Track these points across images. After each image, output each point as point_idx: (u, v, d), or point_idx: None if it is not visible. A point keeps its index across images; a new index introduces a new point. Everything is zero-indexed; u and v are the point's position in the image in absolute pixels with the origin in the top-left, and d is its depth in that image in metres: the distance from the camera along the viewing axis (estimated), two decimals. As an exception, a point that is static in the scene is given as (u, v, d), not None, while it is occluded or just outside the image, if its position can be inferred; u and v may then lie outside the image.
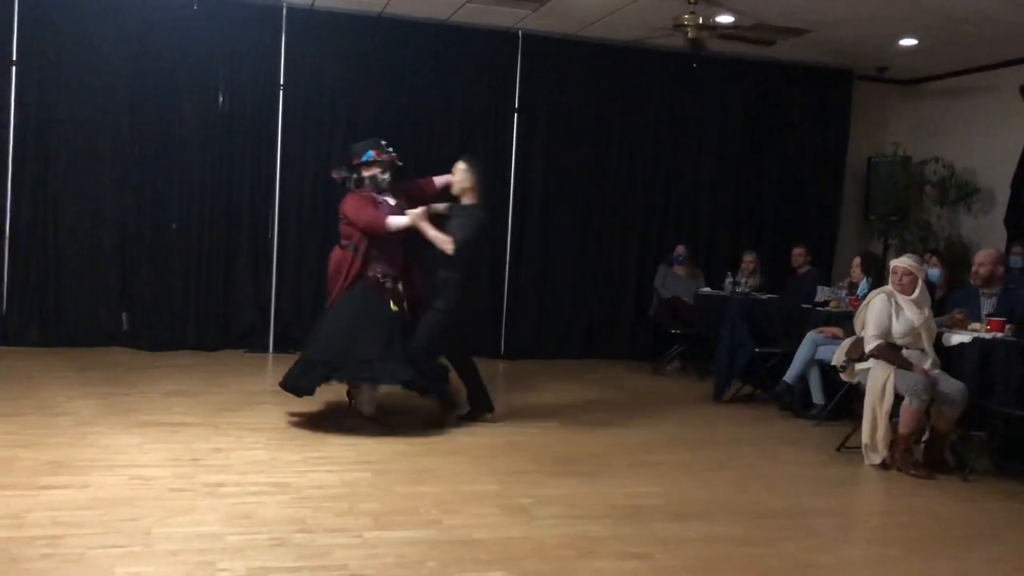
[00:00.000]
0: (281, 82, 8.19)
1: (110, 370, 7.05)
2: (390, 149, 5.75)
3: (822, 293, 7.35)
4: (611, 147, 9.03)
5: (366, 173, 5.72)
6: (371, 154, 5.70)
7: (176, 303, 8.04)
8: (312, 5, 8.00)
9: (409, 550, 3.71)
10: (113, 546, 3.58)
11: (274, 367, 7.79)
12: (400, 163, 5.82)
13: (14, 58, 7.64)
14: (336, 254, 5.77)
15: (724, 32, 7.63)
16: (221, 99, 8.10)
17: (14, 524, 3.74)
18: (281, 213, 8.26)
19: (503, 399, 7.37)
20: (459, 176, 5.81)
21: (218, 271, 8.15)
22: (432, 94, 8.51)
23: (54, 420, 5.44)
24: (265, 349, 8.20)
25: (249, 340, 8.18)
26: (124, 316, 8.01)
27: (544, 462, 5.18)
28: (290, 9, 8.06)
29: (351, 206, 5.65)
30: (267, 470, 4.70)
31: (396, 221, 5.56)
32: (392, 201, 5.75)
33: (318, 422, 5.76)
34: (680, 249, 8.81)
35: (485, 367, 8.14)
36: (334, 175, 5.89)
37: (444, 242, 5.57)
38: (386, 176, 5.75)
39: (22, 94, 7.69)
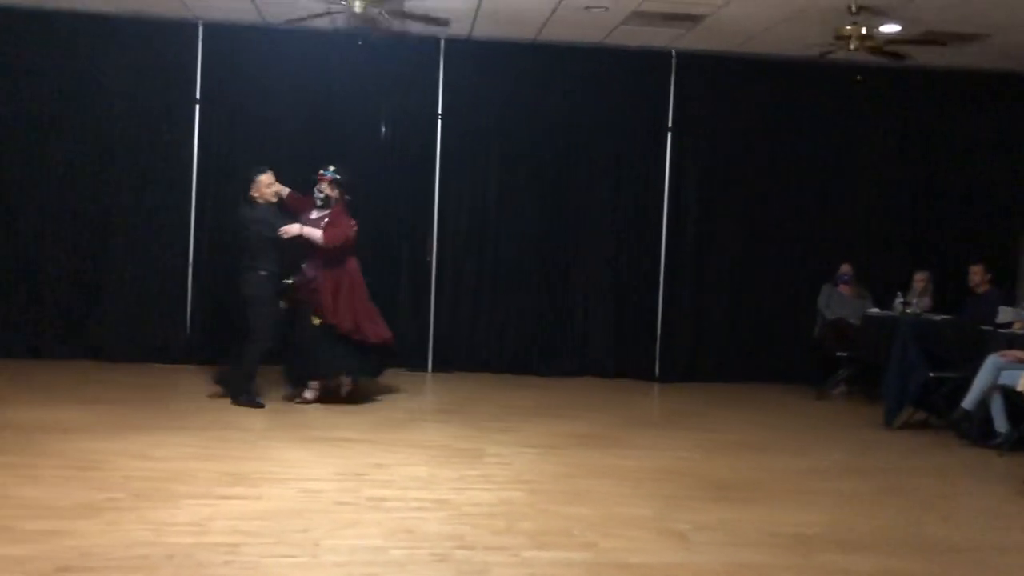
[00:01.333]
0: (439, 111, 8.46)
1: (280, 388, 7.41)
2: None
3: (1005, 314, 6.87)
4: (770, 163, 8.78)
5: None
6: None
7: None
8: (469, 35, 8.23)
9: (565, 571, 3.71)
10: (284, 556, 3.77)
11: (433, 385, 8.02)
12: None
13: (197, 97, 8.24)
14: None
15: (892, 42, 7.27)
16: (384, 129, 8.46)
17: (198, 531, 4.00)
18: (439, 236, 8.50)
19: (658, 423, 7.29)
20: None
21: (381, 293, 8.45)
22: (585, 116, 8.57)
23: (232, 434, 5.79)
24: (424, 368, 8.44)
25: (410, 359, 8.44)
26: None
27: (701, 487, 5.07)
28: (448, 41, 8.32)
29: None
30: (427, 486, 4.82)
31: None
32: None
33: (475, 440, 5.87)
34: (845, 268, 8.45)
35: (638, 390, 8.15)
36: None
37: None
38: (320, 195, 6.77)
39: (205, 130, 8.29)
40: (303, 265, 6.64)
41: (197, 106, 8.28)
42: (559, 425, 6.44)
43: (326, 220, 6.63)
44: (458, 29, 7.95)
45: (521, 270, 8.56)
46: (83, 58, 8.10)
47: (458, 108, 8.48)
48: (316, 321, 6.58)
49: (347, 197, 6.79)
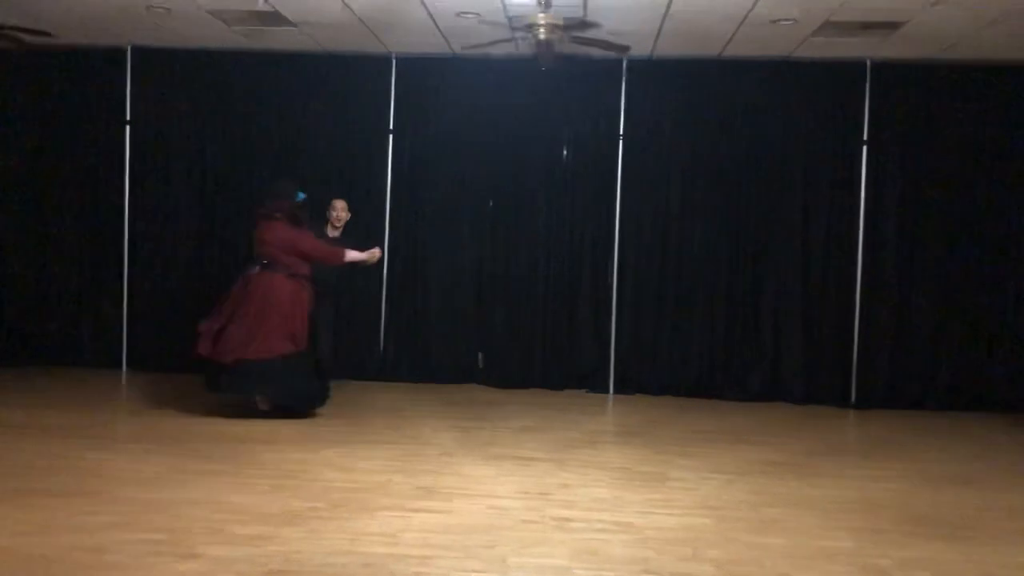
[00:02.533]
0: (621, 132, 8.46)
1: (468, 405, 7.64)
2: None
3: None
4: (979, 174, 8.16)
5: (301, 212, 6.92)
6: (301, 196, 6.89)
7: (525, 343, 8.54)
8: (651, 55, 8.20)
9: (756, 603, 3.59)
10: (473, 571, 3.85)
11: (614, 407, 7.98)
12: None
13: (390, 127, 8.67)
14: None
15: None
16: (565, 152, 8.56)
17: (391, 542, 4.16)
18: (620, 258, 8.48)
19: (854, 451, 6.91)
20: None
21: (563, 314, 8.55)
22: (772, 133, 8.31)
23: (422, 449, 6.00)
24: (605, 390, 8.41)
25: (590, 381, 8.45)
26: (480, 355, 8.66)
27: (904, 521, 4.75)
28: (630, 61, 8.32)
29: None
30: (611, 508, 4.80)
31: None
32: None
33: (658, 463, 5.79)
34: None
35: (832, 416, 7.77)
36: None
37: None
38: None
39: (397, 159, 8.70)
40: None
41: (390, 136, 8.69)
42: (746, 451, 6.24)
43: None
44: (639, 49, 7.94)
45: (705, 291, 8.37)
46: (288, 93, 8.70)
47: (639, 128, 8.45)
48: None
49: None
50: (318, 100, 8.67)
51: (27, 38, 7.27)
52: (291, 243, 6.73)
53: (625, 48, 7.09)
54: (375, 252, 7.25)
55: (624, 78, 8.41)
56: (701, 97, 8.36)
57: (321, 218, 7.49)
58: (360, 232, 7.97)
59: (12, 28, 7.04)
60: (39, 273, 8.90)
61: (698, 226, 8.41)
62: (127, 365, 8.76)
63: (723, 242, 8.37)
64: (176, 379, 8.00)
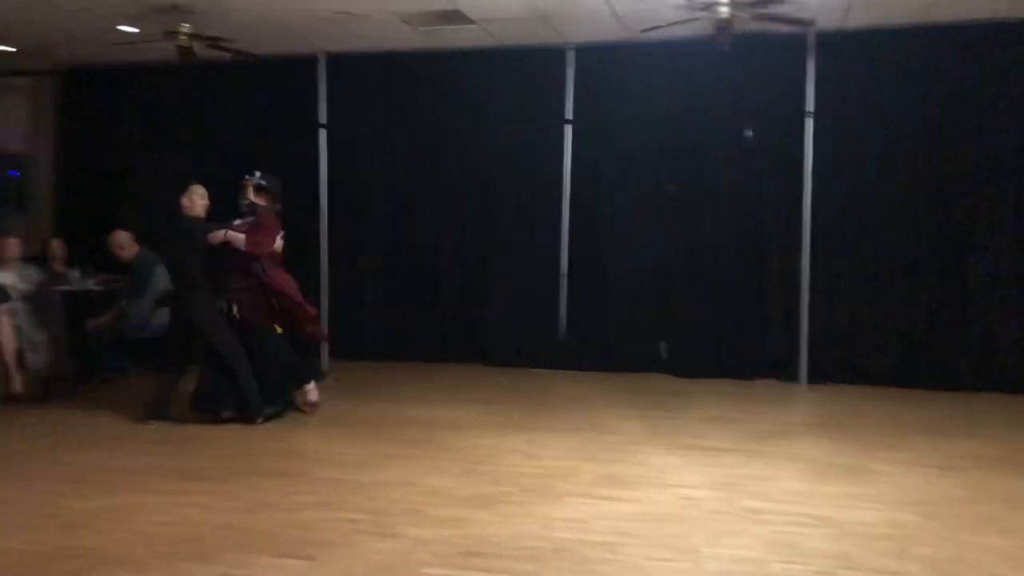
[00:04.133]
0: (810, 108, 8.09)
1: (652, 394, 7.55)
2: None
3: None
4: None
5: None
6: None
7: (710, 332, 8.33)
8: (841, 26, 7.78)
9: (974, 605, 3.34)
10: (665, 560, 3.81)
11: (807, 397, 7.66)
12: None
13: (568, 117, 8.69)
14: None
15: None
16: (750, 132, 8.27)
17: (580, 528, 4.18)
18: (811, 241, 8.11)
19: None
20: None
21: (750, 301, 8.29)
22: (978, 99, 7.68)
23: (608, 438, 5.99)
24: (797, 379, 8.08)
25: (780, 369, 8.14)
26: (662, 344, 8.54)
27: None
28: (818, 34, 7.93)
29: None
30: (806, 501, 4.61)
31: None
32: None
33: (856, 456, 5.51)
34: None
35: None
36: None
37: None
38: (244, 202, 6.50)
39: (575, 148, 8.72)
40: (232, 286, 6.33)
41: (568, 126, 8.72)
42: (955, 444, 5.83)
43: (248, 226, 6.37)
44: (828, 21, 7.56)
45: (906, 273, 7.85)
46: (469, 89, 8.92)
47: (830, 105, 8.03)
48: (279, 330, 6.53)
49: (277, 206, 6.58)
50: (496, 94, 8.84)
51: (233, 51, 7.80)
52: None
53: (811, 22, 6.77)
54: (215, 235, 6.32)
55: (812, 52, 8.03)
56: (897, 68, 7.85)
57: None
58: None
59: (214, 38, 7.56)
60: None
61: (896, 204, 7.90)
62: (329, 355, 9.26)
63: (925, 221, 7.83)
64: (371, 367, 8.41)
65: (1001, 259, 7.66)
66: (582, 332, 8.73)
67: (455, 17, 7.60)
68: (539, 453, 5.56)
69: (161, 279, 7.74)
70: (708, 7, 6.40)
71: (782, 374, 8.11)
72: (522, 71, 8.75)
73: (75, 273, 8.31)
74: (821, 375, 8.00)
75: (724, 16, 6.29)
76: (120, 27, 7.90)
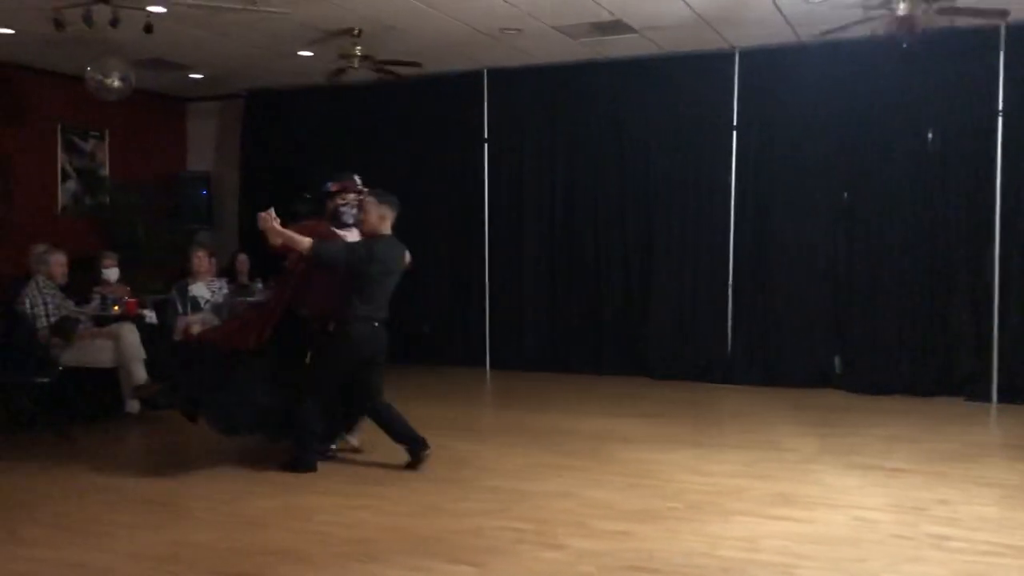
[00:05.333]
0: (1000, 108, 7.53)
1: (826, 410, 7.22)
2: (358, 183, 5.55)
3: None
4: None
5: (329, 204, 5.54)
6: (328, 185, 5.54)
7: (889, 346, 7.88)
8: (1033, 17, 7.21)
9: None
10: (842, 584, 3.62)
11: (998, 417, 7.12)
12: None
13: (734, 123, 8.48)
14: None
15: None
16: (931, 136, 7.79)
17: (750, 547, 4.03)
18: (1002, 250, 7.53)
19: None
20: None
21: (934, 314, 7.78)
22: None
23: (779, 455, 5.77)
24: (987, 398, 7.51)
25: (969, 387, 7.59)
26: (836, 359, 8.16)
27: None
28: (1010, 28, 7.38)
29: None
30: (999, 529, 4.27)
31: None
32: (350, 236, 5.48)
33: (1060, 483, 5.05)
34: None
35: None
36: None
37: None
38: (351, 209, 5.51)
39: (742, 155, 8.49)
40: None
41: (734, 132, 8.51)
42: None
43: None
44: (1020, 14, 7.03)
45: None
46: (630, 98, 8.86)
47: (1023, 102, 7.46)
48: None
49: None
50: (659, 103, 8.73)
51: (400, 70, 8.10)
52: None
53: (1003, 13, 6.30)
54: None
55: (1002, 48, 7.47)
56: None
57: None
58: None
59: (386, 62, 7.88)
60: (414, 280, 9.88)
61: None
62: (490, 365, 9.43)
63: None
64: (532, 378, 8.48)
65: None
66: (751, 345, 8.47)
67: (616, 27, 7.58)
68: (706, 469, 5.42)
69: None
70: (885, 3, 6.07)
71: (969, 392, 7.56)
72: (687, 77, 8.61)
73: (258, 285, 8.84)
74: (1016, 394, 7.40)
75: (902, 12, 5.94)
76: (300, 52, 8.37)
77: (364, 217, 5.34)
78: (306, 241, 5.12)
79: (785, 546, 4.04)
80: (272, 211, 5.19)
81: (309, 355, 5.39)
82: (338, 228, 5.48)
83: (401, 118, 9.72)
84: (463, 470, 5.41)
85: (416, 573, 3.76)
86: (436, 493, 4.88)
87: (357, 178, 5.60)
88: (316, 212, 5.61)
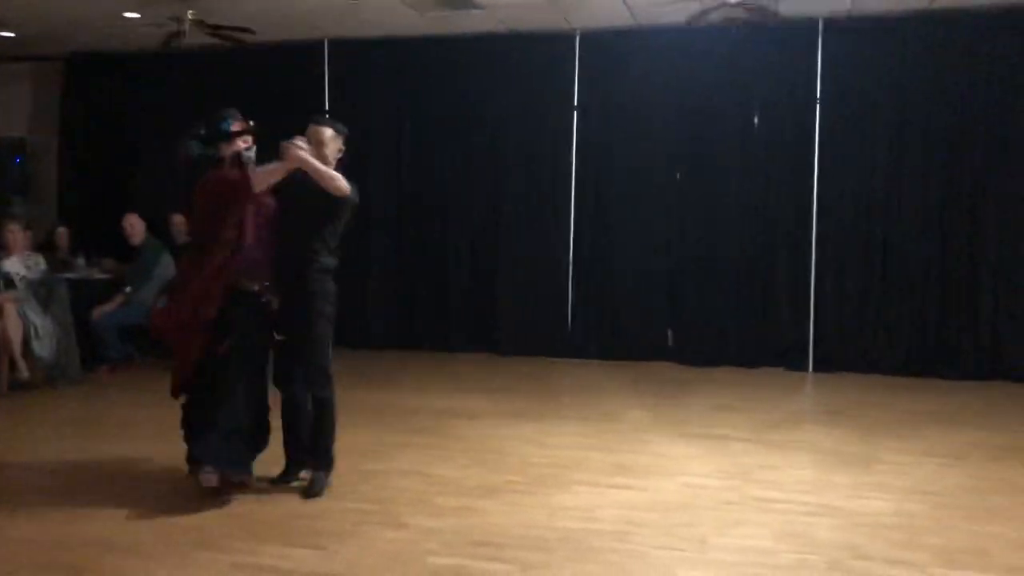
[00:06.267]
0: (818, 96, 8.03)
1: (660, 383, 7.53)
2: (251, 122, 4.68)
3: None
4: None
5: (228, 150, 4.52)
6: (229, 123, 4.58)
7: (718, 320, 8.30)
8: (849, 12, 7.72)
9: (985, 596, 3.33)
10: (673, 548, 3.80)
11: (815, 386, 7.64)
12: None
13: (575, 104, 8.65)
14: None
15: None
16: (756, 120, 8.23)
17: (588, 517, 4.17)
18: (819, 229, 8.07)
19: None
20: (332, 145, 4.55)
21: (758, 289, 8.26)
22: (988, 87, 7.61)
23: (615, 426, 5.98)
24: (805, 368, 8.06)
25: (789, 357, 8.11)
26: (669, 332, 8.52)
27: None
28: (827, 20, 7.88)
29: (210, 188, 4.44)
30: (816, 491, 4.60)
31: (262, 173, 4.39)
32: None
33: (866, 445, 5.49)
34: None
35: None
36: (182, 157, 4.59)
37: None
38: (251, 152, 4.56)
39: (582, 135, 8.67)
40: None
41: (575, 112, 8.67)
42: (965, 434, 5.80)
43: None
44: (837, 6, 7.51)
45: (915, 261, 7.81)
46: (475, 75, 8.87)
47: (838, 91, 7.98)
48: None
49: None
50: (504, 81, 8.78)
51: (241, 36, 7.76)
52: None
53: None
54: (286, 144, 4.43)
55: (821, 39, 7.96)
56: (909, 54, 7.80)
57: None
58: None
59: (218, 27, 7.52)
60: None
61: (906, 192, 7.86)
62: (334, 343, 9.26)
63: (934, 209, 7.79)
64: (379, 356, 8.42)
65: (1011, 251, 7.62)
66: (590, 320, 8.71)
67: (462, 2, 7.54)
68: (548, 442, 5.54)
69: (167, 266, 7.74)
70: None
71: (790, 362, 8.09)
72: (529, 58, 8.69)
73: (80, 261, 8.31)
74: (829, 364, 7.97)
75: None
76: (125, 14, 7.87)
77: (321, 151, 4.45)
78: (342, 180, 4.40)
79: (621, 514, 4.20)
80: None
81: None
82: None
83: (240, 88, 9.28)
84: (305, 451, 5.30)
85: (254, 558, 3.66)
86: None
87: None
88: (209, 156, 4.54)
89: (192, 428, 4.45)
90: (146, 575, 3.51)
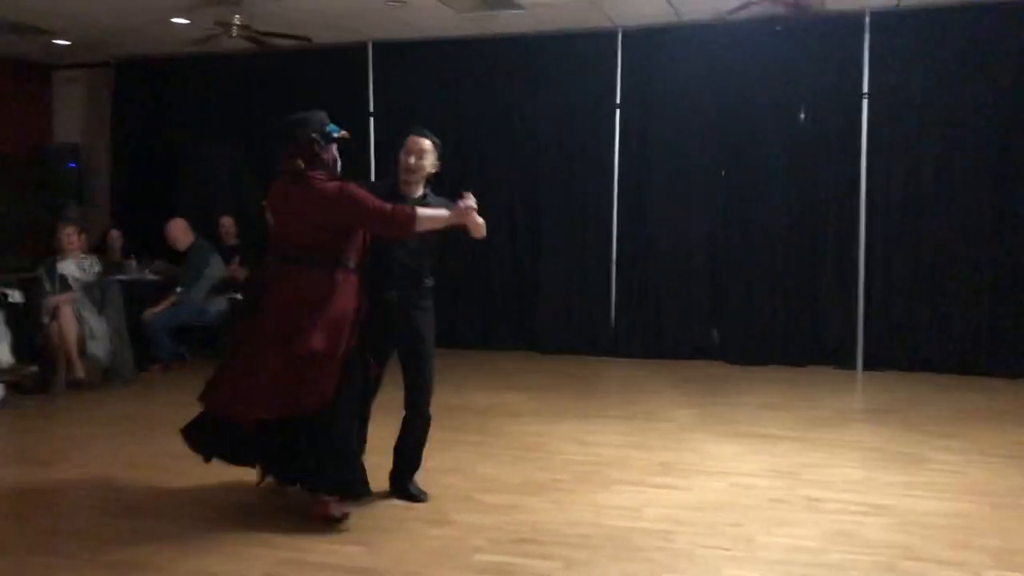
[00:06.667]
0: (865, 90, 7.90)
1: (704, 381, 7.47)
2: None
3: None
4: None
5: (328, 154, 4.18)
6: (336, 129, 4.21)
7: (764, 318, 8.21)
8: (898, 4, 7.59)
9: (1042, 598, 3.26)
10: (719, 548, 3.77)
11: (864, 384, 7.52)
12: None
13: (617, 101, 8.61)
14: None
15: None
16: (803, 114, 8.11)
17: (633, 516, 4.15)
18: (868, 226, 7.94)
19: None
20: (430, 157, 4.35)
21: (805, 286, 8.15)
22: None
23: (659, 425, 5.94)
24: (853, 366, 7.93)
25: (837, 356, 7.99)
26: (714, 331, 8.44)
27: None
28: (873, 13, 7.75)
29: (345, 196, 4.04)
30: (865, 490, 4.53)
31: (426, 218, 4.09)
32: None
33: (916, 444, 5.39)
34: None
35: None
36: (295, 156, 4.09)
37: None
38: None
39: (624, 133, 8.63)
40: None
41: (618, 110, 8.64)
42: (1017, 433, 5.67)
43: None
44: (884, 0, 7.39)
45: (966, 257, 7.65)
46: (516, 75, 8.87)
47: (886, 85, 7.84)
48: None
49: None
50: (545, 80, 8.78)
51: (278, 42, 7.86)
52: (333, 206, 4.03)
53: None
54: (467, 206, 4.16)
55: (868, 33, 7.84)
56: (957, 48, 7.64)
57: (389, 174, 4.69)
58: None
59: (269, 34, 7.63)
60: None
61: (958, 188, 7.70)
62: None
63: (987, 204, 7.62)
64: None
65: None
66: (633, 318, 8.67)
67: (502, 2, 7.56)
68: (591, 440, 5.53)
69: (216, 267, 7.88)
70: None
71: (838, 361, 7.97)
72: (571, 56, 8.68)
73: (132, 263, 8.48)
74: (879, 363, 7.84)
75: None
76: (173, 19, 8.02)
77: (421, 162, 4.30)
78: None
79: (667, 513, 4.18)
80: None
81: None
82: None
83: (281, 90, 9.45)
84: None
85: (302, 554, 3.71)
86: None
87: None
88: (309, 161, 4.08)
89: (301, 456, 4.03)
90: (199, 568, 3.57)
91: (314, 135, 4.10)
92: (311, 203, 4.02)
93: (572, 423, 5.96)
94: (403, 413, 4.39)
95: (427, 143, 4.33)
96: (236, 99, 9.63)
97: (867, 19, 7.81)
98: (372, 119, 9.25)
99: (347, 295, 4.03)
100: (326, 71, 9.25)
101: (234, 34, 7.52)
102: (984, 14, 7.52)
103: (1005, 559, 3.62)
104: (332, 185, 4.07)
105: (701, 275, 8.45)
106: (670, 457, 5.13)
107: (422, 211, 4.09)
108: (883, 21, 7.78)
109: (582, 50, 8.65)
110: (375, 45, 9.15)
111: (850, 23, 7.84)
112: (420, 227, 4.06)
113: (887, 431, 5.72)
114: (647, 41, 8.46)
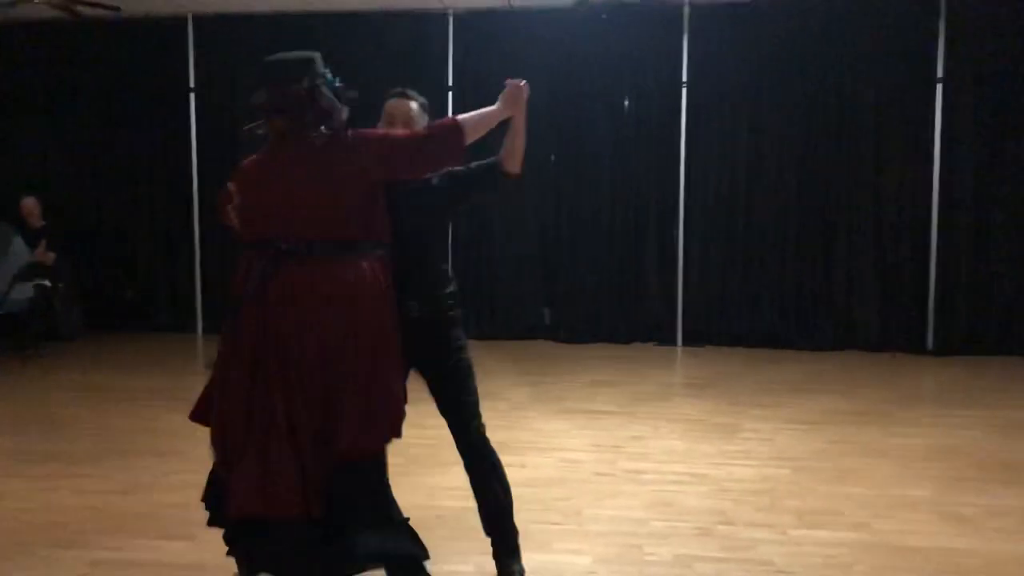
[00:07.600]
0: (684, 79, 8.28)
1: (537, 360, 7.65)
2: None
3: None
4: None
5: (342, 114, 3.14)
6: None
7: (592, 298, 8.50)
8: (714, -1, 7.99)
9: (836, 551, 3.56)
10: (550, 523, 3.89)
11: (684, 359, 7.92)
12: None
13: (449, 84, 8.62)
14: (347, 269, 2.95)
15: None
16: (626, 102, 8.42)
17: (467, 496, 4.15)
18: (686, 210, 8.35)
19: (932, 399, 6.74)
20: (419, 122, 3.35)
21: (630, 267, 8.49)
22: (846, 72, 8.02)
23: (495, 404, 6.02)
24: (674, 343, 8.35)
25: (658, 334, 8.39)
26: (546, 311, 8.66)
27: (987, 469, 4.65)
28: (693, 6, 8.12)
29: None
30: (685, 460, 4.78)
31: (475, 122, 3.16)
32: None
33: (731, 415, 5.74)
34: None
35: (909, 364, 7.57)
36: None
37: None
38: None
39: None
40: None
41: (449, 93, 8.65)
42: (821, 401, 6.15)
43: None
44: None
45: (775, 239, 8.20)
46: (343, 55, 8.66)
47: (704, 76, 8.25)
48: None
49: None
50: (379, 58, 8.65)
51: (90, 11, 7.37)
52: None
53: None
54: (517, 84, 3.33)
55: (686, 23, 8.20)
56: (768, 38, 8.12)
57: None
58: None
59: (75, 1, 7.13)
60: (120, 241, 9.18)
61: (766, 173, 8.23)
62: (202, 331, 8.98)
63: (793, 188, 8.19)
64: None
65: (861, 228, 8.08)
66: (466, 300, 8.70)
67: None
68: (427, 423, 5.48)
69: (19, 253, 7.34)
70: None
71: (660, 338, 8.36)
72: (402, 36, 8.59)
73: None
74: (697, 339, 8.29)
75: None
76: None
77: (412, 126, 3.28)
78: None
79: (500, 491, 4.25)
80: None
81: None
82: None
83: (95, 62, 8.89)
84: (172, 442, 5.14)
85: (121, 553, 3.54)
86: (144, 468, 4.61)
87: None
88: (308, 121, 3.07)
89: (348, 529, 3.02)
90: None
91: (322, 86, 3.11)
92: (323, 166, 2.93)
93: (409, 407, 5.93)
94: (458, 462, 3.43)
95: (414, 105, 3.38)
96: (42, 71, 8.96)
97: (686, 10, 8.16)
98: (192, 95, 8.83)
99: (381, 295, 3.01)
100: (141, 44, 8.75)
101: (37, 0, 6.97)
102: (789, 7, 8.01)
103: (807, 518, 3.93)
104: (339, 136, 3.02)
105: (533, 257, 8.63)
106: (504, 436, 5.16)
107: (464, 117, 3.14)
108: (700, 14, 8.16)
109: (413, 31, 8.58)
110: (195, 18, 8.73)
111: (671, 15, 8.18)
112: (469, 137, 3.14)
113: (705, 403, 6.07)
114: (478, 24, 8.50)
